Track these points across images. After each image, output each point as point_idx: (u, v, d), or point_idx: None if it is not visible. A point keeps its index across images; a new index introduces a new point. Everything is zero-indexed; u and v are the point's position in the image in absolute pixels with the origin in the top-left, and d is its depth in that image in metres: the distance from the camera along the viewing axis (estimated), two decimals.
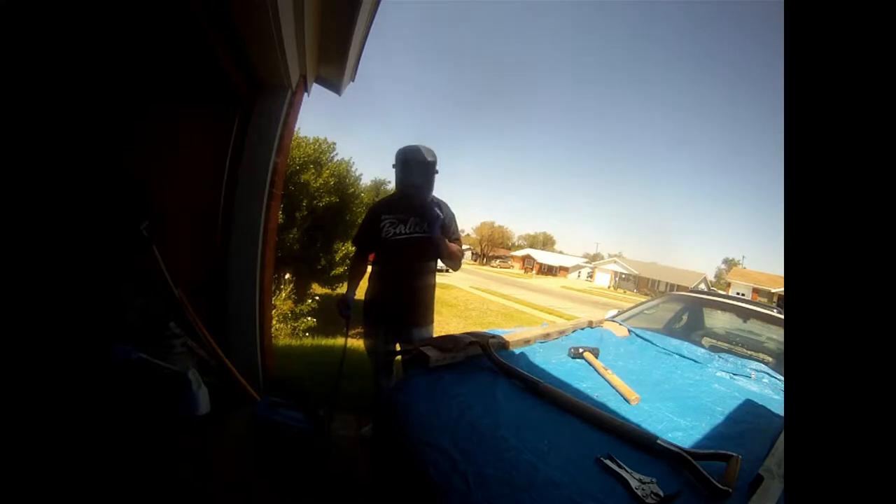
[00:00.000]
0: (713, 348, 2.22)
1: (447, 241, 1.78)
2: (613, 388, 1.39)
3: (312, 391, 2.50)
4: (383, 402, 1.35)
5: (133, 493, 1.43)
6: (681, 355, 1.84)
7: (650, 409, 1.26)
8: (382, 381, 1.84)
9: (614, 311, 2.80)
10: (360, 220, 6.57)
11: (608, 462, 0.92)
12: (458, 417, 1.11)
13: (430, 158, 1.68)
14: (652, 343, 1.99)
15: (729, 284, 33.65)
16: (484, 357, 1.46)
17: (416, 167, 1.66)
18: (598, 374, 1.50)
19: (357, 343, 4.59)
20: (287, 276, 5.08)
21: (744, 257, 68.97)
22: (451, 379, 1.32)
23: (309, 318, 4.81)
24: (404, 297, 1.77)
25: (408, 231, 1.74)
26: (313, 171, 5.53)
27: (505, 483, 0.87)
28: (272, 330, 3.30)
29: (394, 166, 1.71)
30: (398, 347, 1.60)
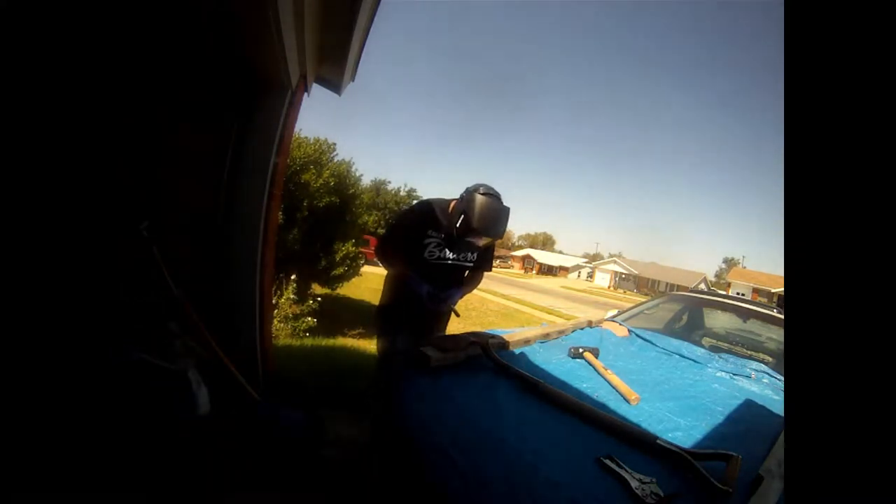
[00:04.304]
0: (713, 348, 2.22)
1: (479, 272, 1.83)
2: (613, 388, 1.39)
3: (312, 392, 2.50)
4: (384, 403, 1.35)
5: (132, 493, 1.43)
6: (681, 355, 1.84)
7: (650, 408, 1.26)
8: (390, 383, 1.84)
9: (614, 311, 2.81)
10: (360, 220, 6.57)
11: (608, 462, 0.92)
12: (458, 417, 1.11)
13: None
14: (652, 343, 1.99)
15: (729, 284, 33.62)
16: (484, 357, 1.46)
17: (503, 217, 1.60)
18: (598, 374, 1.50)
19: (356, 343, 4.59)
20: (293, 276, 5.05)
21: (744, 257, 68.93)
22: (451, 379, 1.32)
23: (309, 319, 4.79)
24: (428, 314, 1.75)
25: (451, 258, 1.69)
26: (313, 171, 5.52)
27: (505, 483, 0.87)
28: (272, 330, 3.29)
29: (464, 200, 1.58)
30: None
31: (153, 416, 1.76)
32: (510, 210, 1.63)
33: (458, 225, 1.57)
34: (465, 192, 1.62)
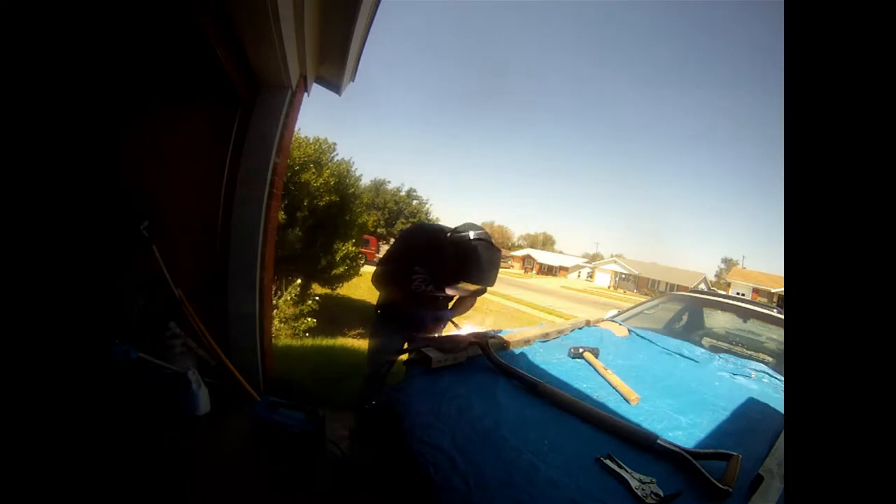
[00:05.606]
0: (713, 348, 2.22)
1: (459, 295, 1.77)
2: (613, 388, 1.39)
3: (312, 392, 2.50)
4: (384, 403, 1.35)
5: (132, 493, 1.43)
6: (681, 355, 1.84)
7: (650, 408, 1.26)
8: (382, 381, 1.83)
9: (614, 311, 2.80)
10: (359, 220, 6.57)
11: (608, 462, 0.92)
12: (458, 417, 1.11)
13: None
14: (652, 343, 1.99)
15: (729, 284, 33.63)
16: (484, 357, 1.46)
17: (496, 266, 1.57)
18: (598, 374, 1.50)
19: (356, 343, 4.59)
20: (298, 280, 5.01)
21: (744, 257, 68.91)
22: (451, 379, 1.32)
23: (309, 319, 4.79)
24: (416, 328, 1.79)
25: (433, 289, 1.69)
26: (313, 170, 5.52)
27: (505, 483, 0.87)
28: (272, 330, 3.29)
29: (456, 247, 1.53)
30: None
31: (153, 416, 1.76)
32: (501, 252, 1.65)
33: (449, 273, 1.56)
34: (456, 232, 1.60)
